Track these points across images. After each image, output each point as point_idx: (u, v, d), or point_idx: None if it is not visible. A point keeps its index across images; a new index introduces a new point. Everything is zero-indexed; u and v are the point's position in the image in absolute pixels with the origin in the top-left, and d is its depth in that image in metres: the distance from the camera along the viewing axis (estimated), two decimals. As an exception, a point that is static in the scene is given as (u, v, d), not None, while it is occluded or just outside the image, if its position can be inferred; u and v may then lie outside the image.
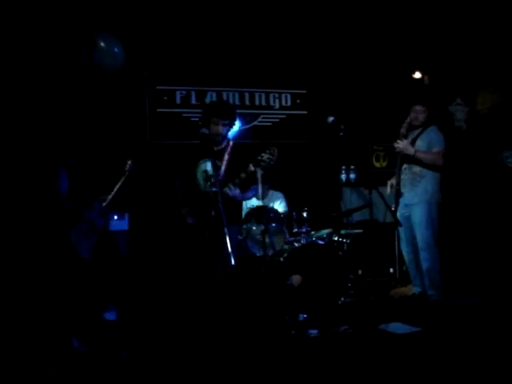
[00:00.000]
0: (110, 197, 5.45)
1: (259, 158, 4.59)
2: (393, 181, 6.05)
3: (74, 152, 5.13)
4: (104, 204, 5.46)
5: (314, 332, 4.83)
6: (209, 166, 4.74)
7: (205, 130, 4.65)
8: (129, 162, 5.55)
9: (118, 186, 5.45)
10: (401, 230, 5.98)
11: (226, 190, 4.69)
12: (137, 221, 6.56)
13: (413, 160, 5.79)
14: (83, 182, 5.13)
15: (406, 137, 5.90)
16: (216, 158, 4.72)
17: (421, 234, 5.78)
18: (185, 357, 4.42)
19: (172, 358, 4.41)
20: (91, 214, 5.35)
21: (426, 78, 7.94)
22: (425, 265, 5.78)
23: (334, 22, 7.30)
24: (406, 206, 5.89)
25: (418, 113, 5.90)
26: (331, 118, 5.13)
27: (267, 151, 4.58)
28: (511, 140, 7.57)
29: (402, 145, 5.81)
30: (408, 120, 5.93)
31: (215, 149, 4.95)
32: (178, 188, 5.09)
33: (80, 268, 4.91)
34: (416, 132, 5.94)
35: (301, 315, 4.99)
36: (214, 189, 4.40)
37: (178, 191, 5.08)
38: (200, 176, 4.92)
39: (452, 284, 6.28)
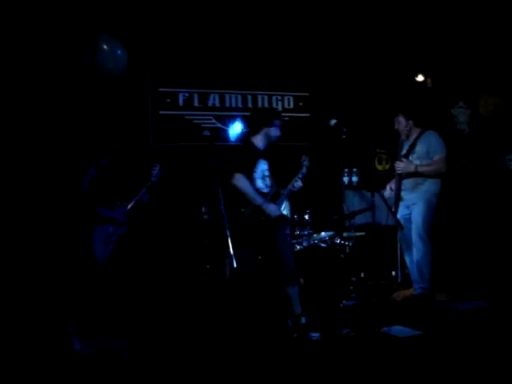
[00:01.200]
0: (132, 203, 5.42)
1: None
2: (392, 184, 6.07)
3: (106, 155, 5.13)
4: (128, 208, 5.44)
5: (315, 335, 4.82)
6: (266, 166, 5.07)
7: (207, 133, 4.64)
8: (156, 168, 5.50)
9: (142, 192, 5.39)
10: (401, 232, 5.99)
11: (293, 183, 5.14)
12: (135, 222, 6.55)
13: (417, 174, 5.81)
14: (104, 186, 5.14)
15: (401, 147, 5.93)
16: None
17: (416, 227, 5.84)
18: (186, 360, 4.42)
19: (174, 361, 4.41)
20: (118, 218, 5.33)
21: (428, 80, 7.94)
22: (416, 256, 5.82)
23: (337, 25, 7.31)
24: (407, 207, 5.91)
25: (397, 124, 5.95)
26: (334, 121, 5.14)
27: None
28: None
29: (402, 165, 5.86)
30: (402, 137, 5.97)
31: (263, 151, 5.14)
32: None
33: (91, 272, 4.87)
34: (413, 137, 5.95)
35: (303, 318, 4.97)
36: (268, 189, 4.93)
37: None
38: (259, 175, 5.04)
39: (456, 287, 6.28)
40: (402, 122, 5.94)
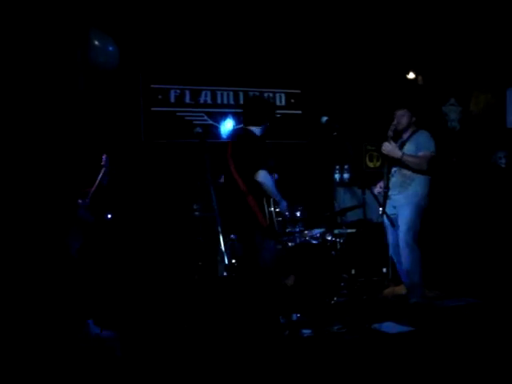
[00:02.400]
0: (92, 189, 5.41)
1: None
2: (382, 182, 6.04)
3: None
4: (87, 199, 5.41)
5: (307, 332, 4.84)
6: None
7: (199, 129, 4.63)
8: (103, 157, 5.50)
9: (98, 180, 5.40)
10: (388, 232, 5.97)
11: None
12: (127, 219, 6.55)
13: (400, 163, 5.78)
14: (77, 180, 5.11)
15: (393, 139, 5.88)
16: None
17: (402, 234, 5.73)
18: (178, 356, 4.43)
19: (165, 358, 4.41)
20: (80, 212, 5.32)
21: (419, 78, 7.96)
22: (405, 264, 5.75)
23: (329, 22, 7.32)
24: (394, 207, 5.86)
25: (400, 117, 5.88)
26: (325, 118, 5.12)
27: None
28: (504, 140, 7.61)
29: (388, 148, 5.77)
30: (394, 122, 5.91)
31: None
32: None
33: (72, 267, 4.86)
34: (405, 136, 5.91)
35: (294, 315, 4.98)
36: None
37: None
38: None
39: (445, 284, 6.31)
40: (405, 116, 5.85)
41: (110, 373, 4.14)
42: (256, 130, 5.03)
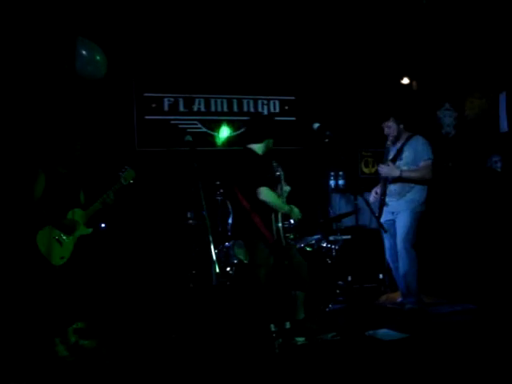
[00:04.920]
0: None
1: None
2: (377, 188, 6.02)
3: (67, 163, 5.06)
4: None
5: (300, 340, 4.80)
6: None
7: (189, 138, 4.61)
8: (125, 170, 5.27)
9: (108, 194, 5.25)
10: (385, 237, 5.96)
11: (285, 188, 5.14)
12: (121, 228, 6.52)
13: (402, 180, 5.74)
14: (69, 190, 5.06)
15: (388, 151, 5.88)
16: None
17: (401, 239, 5.75)
18: (171, 365, 4.40)
19: (158, 366, 4.38)
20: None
21: (414, 83, 7.95)
22: (402, 269, 5.75)
23: (322, 29, 7.32)
24: (392, 213, 5.85)
25: (388, 128, 5.88)
26: (316, 125, 5.11)
27: None
28: (499, 145, 7.59)
29: (386, 170, 5.78)
30: (388, 141, 5.91)
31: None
32: None
33: (49, 275, 4.80)
34: (399, 143, 5.89)
35: (287, 323, 4.95)
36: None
37: None
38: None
39: (444, 290, 6.27)
40: (392, 127, 5.84)
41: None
42: (257, 147, 5.05)
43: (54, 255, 4.80)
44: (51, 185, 4.88)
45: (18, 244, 5.06)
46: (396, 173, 5.70)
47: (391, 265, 6.04)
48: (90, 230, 5.10)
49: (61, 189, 4.95)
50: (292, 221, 5.16)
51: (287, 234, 4.98)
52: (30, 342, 4.84)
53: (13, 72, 5.92)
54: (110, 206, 5.17)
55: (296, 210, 5.04)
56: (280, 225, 4.87)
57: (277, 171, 5.06)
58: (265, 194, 4.78)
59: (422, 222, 5.83)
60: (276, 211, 4.88)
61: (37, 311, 4.85)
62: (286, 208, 4.93)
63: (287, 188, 5.12)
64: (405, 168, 5.73)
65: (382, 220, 5.80)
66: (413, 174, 5.69)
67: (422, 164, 5.71)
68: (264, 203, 4.80)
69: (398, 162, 5.80)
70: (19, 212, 5.05)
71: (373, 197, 6.03)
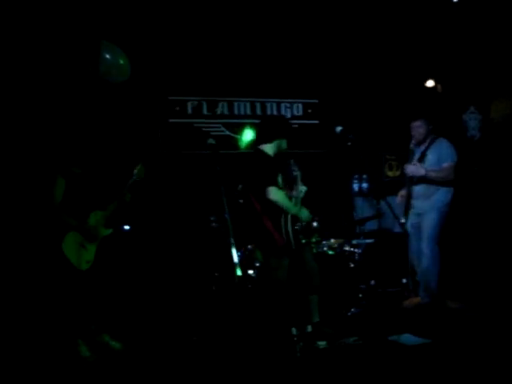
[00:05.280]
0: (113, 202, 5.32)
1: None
2: (403, 191, 6.00)
3: (81, 163, 5.12)
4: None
5: (322, 344, 4.78)
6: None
7: (212, 141, 4.63)
8: (138, 167, 5.33)
9: (124, 191, 5.26)
10: (410, 240, 5.94)
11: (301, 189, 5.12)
12: (144, 230, 6.57)
13: (426, 179, 5.77)
14: (91, 193, 5.12)
15: (413, 153, 5.87)
16: None
17: (426, 239, 5.79)
18: (194, 366, 4.43)
19: (181, 368, 4.41)
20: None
21: (439, 86, 7.88)
22: (425, 263, 5.78)
23: (346, 32, 7.30)
24: (418, 215, 5.85)
25: (416, 129, 5.86)
26: (339, 128, 5.11)
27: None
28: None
29: (412, 169, 5.81)
30: (414, 141, 5.90)
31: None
32: None
33: (74, 279, 4.87)
34: (423, 146, 5.89)
35: (309, 326, 4.94)
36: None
37: None
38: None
39: (467, 295, 6.19)
40: (421, 128, 5.85)
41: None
42: (268, 147, 5.06)
43: (80, 260, 4.88)
44: (69, 187, 4.96)
45: (44, 249, 5.13)
46: (421, 172, 5.73)
47: (416, 268, 6.01)
48: (111, 230, 5.15)
49: (78, 190, 5.02)
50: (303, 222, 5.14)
51: (300, 236, 4.96)
52: (53, 343, 4.91)
53: (37, 76, 6.02)
54: (128, 205, 5.23)
55: (305, 211, 5.03)
56: (290, 227, 4.86)
57: (294, 171, 5.05)
58: (273, 193, 4.77)
59: (448, 226, 5.82)
60: (286, 213, 4.87)
61: (62, 313, 4.92)
62: (295, 209, 4.91)
63: (303, 188, 5.10)
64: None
65: (409, 223, 5.80)
66: (436, 175, 5.74)
67: (444, 165, 5.75)
68: (274, 205, 4.79)
69: (422, 164, 5.80)
70: (43, 218, 5.12)
71: (399, 199, 6.02)
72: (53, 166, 5.19)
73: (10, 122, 5.95)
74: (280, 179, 5.01)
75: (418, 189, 5.86)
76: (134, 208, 5.71)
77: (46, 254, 5.03)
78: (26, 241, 5.70)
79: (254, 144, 5.24)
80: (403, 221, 5.78)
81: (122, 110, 6.66)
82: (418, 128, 5.86)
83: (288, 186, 5.10)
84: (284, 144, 5.12)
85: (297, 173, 5.06)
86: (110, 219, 5.18)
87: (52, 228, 4.91)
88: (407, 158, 6.07)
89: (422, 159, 5.84)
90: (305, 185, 5.11)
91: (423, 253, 5.79)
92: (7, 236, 5.71)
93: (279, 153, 5.11)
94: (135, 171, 5.24)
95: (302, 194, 5.05)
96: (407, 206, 5.91)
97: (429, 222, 5.80)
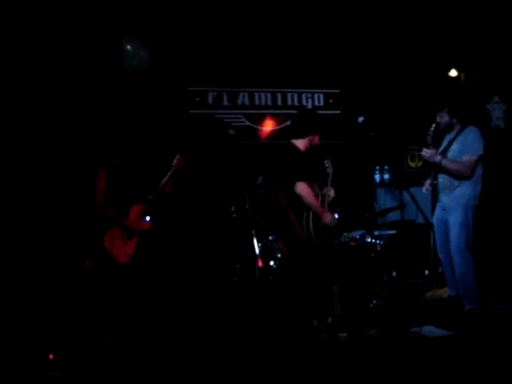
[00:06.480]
0: (153, 195, 5.31)
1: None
2: (428, 181, 5.89)
3: (118, 155, 5.16)
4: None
5: (343, 335, 4.77)
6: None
7: (232, 132, 4.62)
8: (177, 156, 5.31)
9: (163, 182, 5.20)
10: (436, 232, 5.82)
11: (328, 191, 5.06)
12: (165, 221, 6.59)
13: (441, 168, 5.60)
14: (130, 186, 5.17)
15: (432, 145, 5.73)
16: None
17: (454, 238, 5.54)
18: (216, 356, 4.45)
19: (204, 357, 4.44)
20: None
21: (462, 75, 7.77)
22: (458, 270, 5.55)
23: (367, 21, 7.23)
24: (443, 209, 5.71)
25: (440, 117, 5.74)
26: (361, 118, 5.08)
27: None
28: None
29: (427, 154, 5.65)
30: (432, 128, 5.76)
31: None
32: None
33: (114, 273, 4.94)
34: (452, 134, 5.75)
35: (330, 318, 4.92)
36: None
37: None
38: None
39: (490, 289, 6.12)
40: (444, 118, 5.74)
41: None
42: (299, 142, 5.02)
43: (120, 254, 4.93)
44: (110, 180, 5.00)
45: (87, 242, 5.20)
46: (437, 159, 5.55)
47: (442, 260, 5.90)
48: (150, 224, 5.21)
49: (118, 183, 5.06)
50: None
51: (324, 233, 4.91)
52: (80, 333, 4.98)
53: (65, 70, 6.09)
54: (166, 196, 5.25)
55: (329, 216, 4.90)
56: (311, 224, 4.80)
57: (327, 168, 5.01)
58: (301, 188, 4.74)
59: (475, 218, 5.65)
60: (309, 209, 4.82)
61: (96, 305, 4.99)
62: (320, 209, 4.84)
63: (331, 192, 5.04)
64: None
65: (434, 216, 5.71)
66: (451, 165, 5.52)
67: (464, 158, 5.54)
68: (299, 200, 4.77)
69: (448, 153, 5.65)
70: (86, 211, 5.17)
71: (426, 187, 5.89)
72: (95, 159, 5.25)
73: (48, 116, 6.04)
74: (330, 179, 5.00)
75: (441, 181, 5.71)
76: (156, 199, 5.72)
77: (89, 246, 5.10)
78: (70, 233, 5.80)
79: (287, 137, 5.19)
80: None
81: (143, 101, 6.68)
82: (442, 117, 5.76)
83: (318, 183, 5.08)
84: (316, 139, 5.09)
85: (329, 171, 5.01)
86: (150, 213, 5.22)
87: (95, 221, 4.97)
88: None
89: (448, 148, 5.71)
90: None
91: (454, 259, 5.59)
92: (50, 228, 5.80)
93: (311, 148, 5.07)
94: (174, 161, 5.23)
95: (328, 198, 4.99)
96: (434, 199, 5.79)
97: (454, 221, 5.55)
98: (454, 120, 5.71)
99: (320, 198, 4.95)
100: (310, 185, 4.88)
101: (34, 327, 4.99)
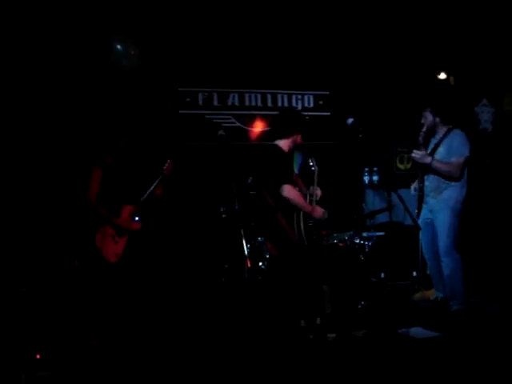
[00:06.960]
0: (144, 197, 5.35)
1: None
2: (416, 184, 5.93)
3: (112, 155, 5.17)
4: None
5: (331, 336, 4.78)
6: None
7: (222, 132, 4.63)
8: (168, 161, 5.38)
9: (153, 187, 5.31)
10: (422, 235, 5.86)
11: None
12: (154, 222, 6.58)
13: (431, 170, 5.65)
14: (123, 186, 5.18)
15: (423, 146, 5.77)
16: None
17: (442, 241, 5.60)
18: (203, 358, 4.44)
19: (189, 360, 4.43)
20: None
21: (451, 78, 7.82)
22: (446, 271, 5.60)
23: (357, 23, 7.25)
24: (430, 211, 5.75)
25: (425, 118, 5.78)
26: (350, 120, 5.10)
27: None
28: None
29: (418, 155, 5.68)
30: (424, 129, 5.80)
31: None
32: None
33: (103, 272, 4.94)
34: (438, 136, 5.79)
35: (318, 319, 4.93)
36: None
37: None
38: None
39: (475, 290, 6.16)
40: (428, 118, 5.77)
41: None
42: (283, 143, 5.02)
43: (110, 253, 4.94)
44: (104, 179, 5.01)
45: (80, 239, 5.19)
46: (427, 160, 5.60)
47: (428, 262, 5.94)
48: (140, 225, 5.22)
49: (112, 183, 5.07)
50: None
51: (314, 232, 4.93)
52: (68, 332, 4.97)
53: (55, 70, 6.08)
54: (156, 199, 5.26)
55: (319, 210, 4.93)
56: (302, 224, 4.81)
57: (312, 167, 5.02)
58: (287, 191, 4.74)
59: (461, 221, 5.70)
60: (299, 210, 4.84)
61: (85, 303, 4.98)
62: (309, 208, 4.88)
63: (318, 191, 5.05)
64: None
65: (420, 218, 5.74)
66: (442, 167, 5.57)
67: (452, 160, 5.59)
68: (287, 201, 4.77)
69: (435, 155, 5.69)
70: (79, 208, 5.17)
71: (412, 191, 5.93)
72: (89, 157, 5.25)
73: (38, 115, 6.02)
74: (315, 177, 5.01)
75: (429, 183, 5.74)
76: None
77: (80, 243, 5.10)
78: (61, 231, 5.78)
79: (270, 139, 5.19)
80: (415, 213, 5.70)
81: (133, 101, 6.66)
82: (426, 118, 5.79)
83: (304, 183, 5.09)
84: (299, 139, 5.08)
85: (315, 169, 5.02)
86: (139, 214, 5.23)
87: (87, 218, 4.98)
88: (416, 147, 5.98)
89: (435, 150, 5.75)
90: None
91: (443, 261, 5.63)
92: (41, 226, 5.78)
93: (294, 147, 5.08)
94: (165, 167, 5.25)
95: (317, 198, 5.00)
96: (420, 200, 5.83)
97: (441, 223, 5.62)
98: (438, 119, 5.75)
99: (308, 198, 4.96)
100: (304, 183, 4.90)
101: (21, 326, 4.96)
